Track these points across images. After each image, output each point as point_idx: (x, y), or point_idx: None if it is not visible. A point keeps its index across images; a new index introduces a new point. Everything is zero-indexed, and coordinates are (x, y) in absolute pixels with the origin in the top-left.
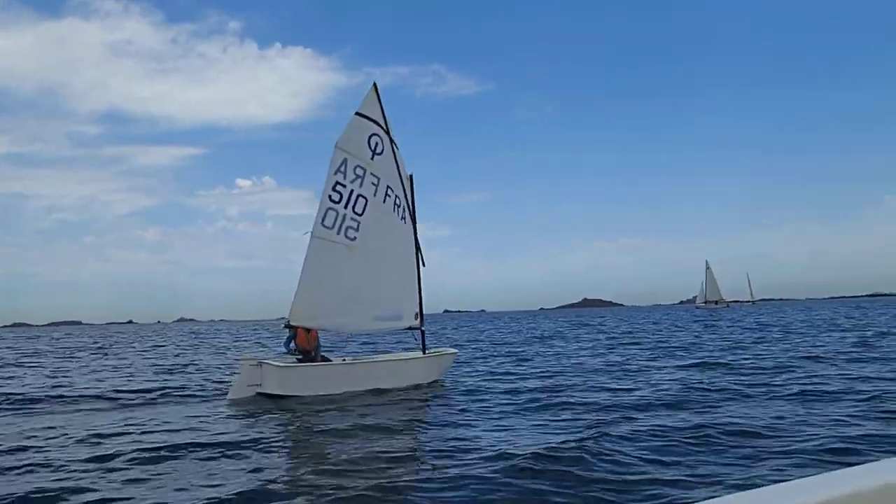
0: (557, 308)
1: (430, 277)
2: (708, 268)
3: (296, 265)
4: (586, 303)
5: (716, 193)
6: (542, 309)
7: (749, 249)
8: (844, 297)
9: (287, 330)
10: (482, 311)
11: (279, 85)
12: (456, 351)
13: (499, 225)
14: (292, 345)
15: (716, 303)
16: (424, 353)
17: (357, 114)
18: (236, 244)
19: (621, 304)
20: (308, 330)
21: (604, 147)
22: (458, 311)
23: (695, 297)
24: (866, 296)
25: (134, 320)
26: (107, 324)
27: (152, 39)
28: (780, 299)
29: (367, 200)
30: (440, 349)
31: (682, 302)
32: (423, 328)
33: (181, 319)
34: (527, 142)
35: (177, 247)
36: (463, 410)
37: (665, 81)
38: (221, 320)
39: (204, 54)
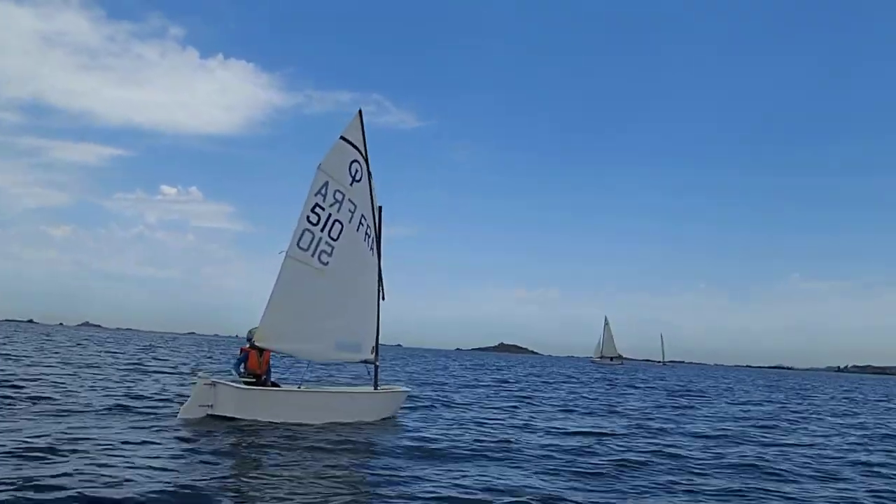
0: (473, 350)
1: None
2: (606, 324)
3: (211, 279)
4: (502, 347)
5: (635, 257)
6: (458, 349)
7: (664, 313)
8: (750, 366)
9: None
10: (398, 344)
11: (216, 96)
12: (409, 389)
13: (422, 261)
14: (242, 367)
15: (611, 359)
16: (376, 388)
17: (342, 138)
18: (153, 252)
19: (537, 353)
20: (261, 353)
21: (533, 200)
22: None
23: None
24: (772, 367)
25: (35, 320)
26: (4, 321)
27: (89, 34)
28: (690, 363)
29: (342, 226)
30: (393, 386)
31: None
32: (377, 363)
33: (86, 324)
34: (459, 183)
35: (88, 248)
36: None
37: (599, 147)
38: (128, 329)
39: (141, 56)
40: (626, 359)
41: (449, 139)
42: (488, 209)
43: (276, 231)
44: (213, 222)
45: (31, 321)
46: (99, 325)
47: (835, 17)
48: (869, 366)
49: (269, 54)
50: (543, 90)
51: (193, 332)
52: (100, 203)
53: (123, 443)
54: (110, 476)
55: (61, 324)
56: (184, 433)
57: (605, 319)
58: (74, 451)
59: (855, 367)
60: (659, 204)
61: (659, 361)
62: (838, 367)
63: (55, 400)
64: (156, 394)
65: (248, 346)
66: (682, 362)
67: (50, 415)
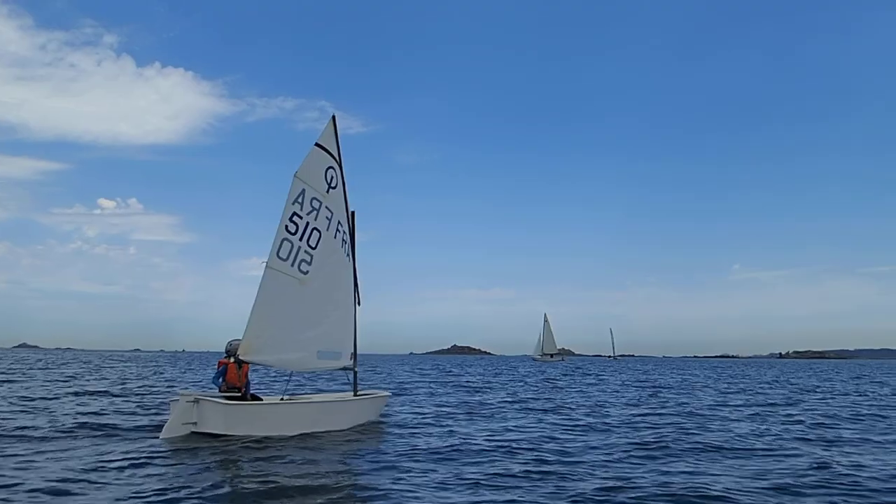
0: (427, 353)
1: None
2: (546, 321)
3: (156, 294)
4: (456, 349)
5: (585, 251)
6: (412, 353)
7: (614, 308)
8: (697, 356)
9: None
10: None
11: (155, 105)
12: (389, 393)
13: (374, 266)
14: (221, 381)
15: (551, 355)
16: (356, 394)
17: (317, 144)
18: (93, 268)
19: (490, 353)
20: (240, 366)
21: (483, 198)
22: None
23: (560, 349)
24: (717, 356)
25: None
26: None
27: (18, 44)
28: (641, 355)
29: (320, 234)
30: (374, 391)
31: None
32: (356, 369)
33: (22, 345)
34: (409, 186)
35: (23, 267)
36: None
37: (546, 144)
38: (68, 348)
39: (74, 65)
40: (576, 354)
41: (396, 142)
42: (439, 210)
43: (223, 241)
44: (156, 235)
45: None
46: (36, 346)
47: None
48: (808, 351)
49: (209, 62)
50: (486, 89)
51: (138, 349)
52: (36, 219)
53: (117, 469)
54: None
55: None
56: (171, 454)
57: (545, 316)
58: (71, 481)
59: (795, 352)
60: (607, 199)
61: (609, 356)
62: (780, 353)
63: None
64: (128, 414)
65: (226, 358)
66: (632, 356)
67: (28, 440)
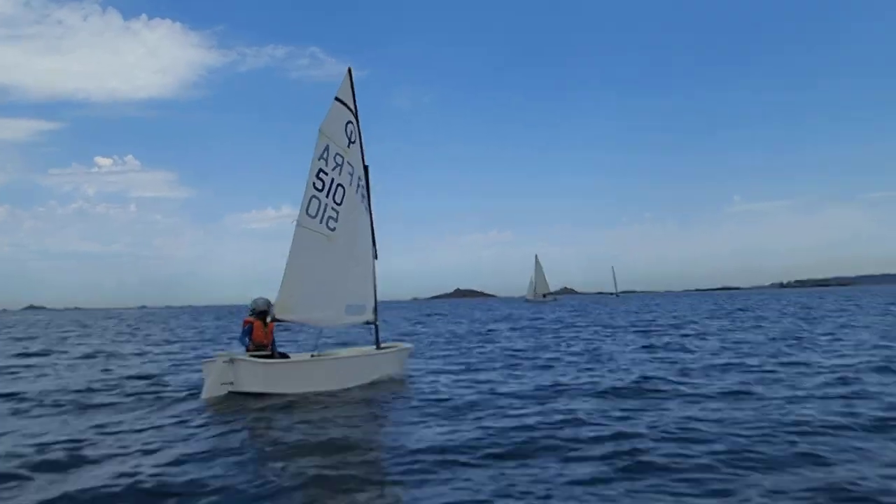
0: (430, 298)
1: None
2: (537, 262)
3: (161, 251)
4: (459, 293)
5: (583, 191)
6: (415, 299)
7: (613, 245)
8: (699, 289)
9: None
10: None
11: (145, 59)
12: (412, 345)
13: (375, 214)
14: (248, 340)
15: (544, 296)
16: (378, 347)
17: (336, 99)
18: (94, 227)
19: (493, 295)
20: (265, 324)
21: (478, 141)
22: None
23: (563, 289)
24: (718, 289)
25: None
26: None
27: (3, 2)
28: (643, 291)
29: (344, 190)
30: (397, 343)
31: (550, 293)
32: (377, 322)
33: (30, 307)
34: (403, 132)
35: (26, 229)
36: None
37: (540, 83)
38: (76, 308)
39: (61, 21)
40: (578, 293)
41: (388, 87)
42: (436, 155)
43: (220, 195)
44: (154, 191)
45: None
46: (44, 307)
47: None
48: (809, 279)
49: (196, 12)
50: (478, 30)
51: (144, 306)
52: (35, 180)
53: (158, 429)
54: (169, 467)
55: (4, 310)
56: (215, 414)
57: (536, 258)
58: (116, 445)
59: (797, 281)
60: (603, 136)
61: (612, 293)
62: (781, 283)
63: (66, 392)
64: (155, 375)
65: (251, 317)
66: (634, 291)
67: (65, 409)
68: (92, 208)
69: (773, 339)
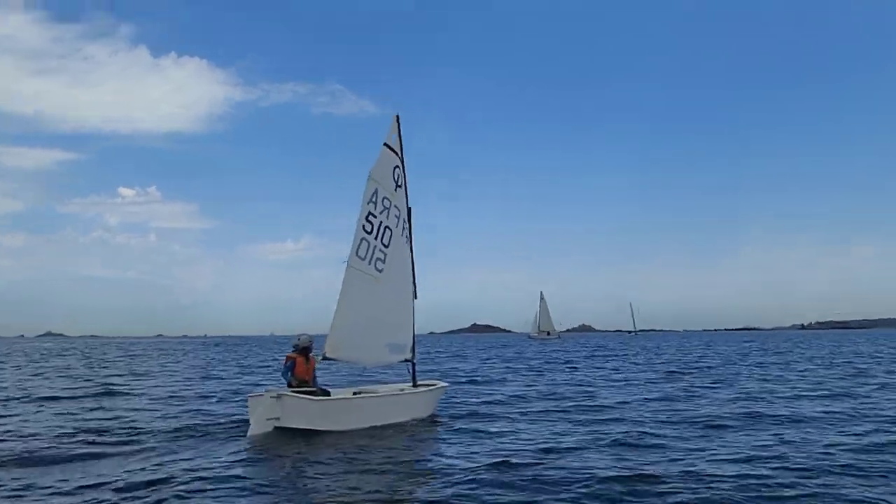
0: (447, 332)
1: (321, 293)
2: (542, 299)
3: (177, 280)
4: (476, 328)
5: (601, 226)
6: (431, 333)
7: (631, 283)
8: (718, 329)
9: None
10: None
11: (171, 94)
12: (447, 384)
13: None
14: (290, 375)
15: (547, 333)
16: (414, 384)
17: (385, 145)
18: (114, 256)
19: (509, 331)
20: (307, 360)
21: (497, 176)
22: None
23: (580, 325)
24: (739, 329)
25: None
26: None
27: (34, 37)
28: (661, 330)
29: (391, 232)
30: (432, 381)
31: (567, 330)
32: (414, 360)
33: (48, 334)
34: (422, 169)
35: (45, 256)
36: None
37: (560, 112)
38: (93, 335)
39: (91, 57)
40: (596, 330)
41: (408, 124)
42: (454, 190)
43: (240, 226)
44: (174, 222)
45: None
46: (62, 334)
47: None
48: (830, 321)
49: (222, 49)
50: (499, 65)
51: (161, 335)
52: (56, 208)
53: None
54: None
55: (22, 335)
56: (263, 451)
57: (541, 295)
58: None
59: (818, 323)
60: (623, 172)
61: (630, 331)
62: (802, 324)
63: (118, 431)
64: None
65: (293, 353)
66: (653, 330)
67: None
68: (112, 238)
69: None
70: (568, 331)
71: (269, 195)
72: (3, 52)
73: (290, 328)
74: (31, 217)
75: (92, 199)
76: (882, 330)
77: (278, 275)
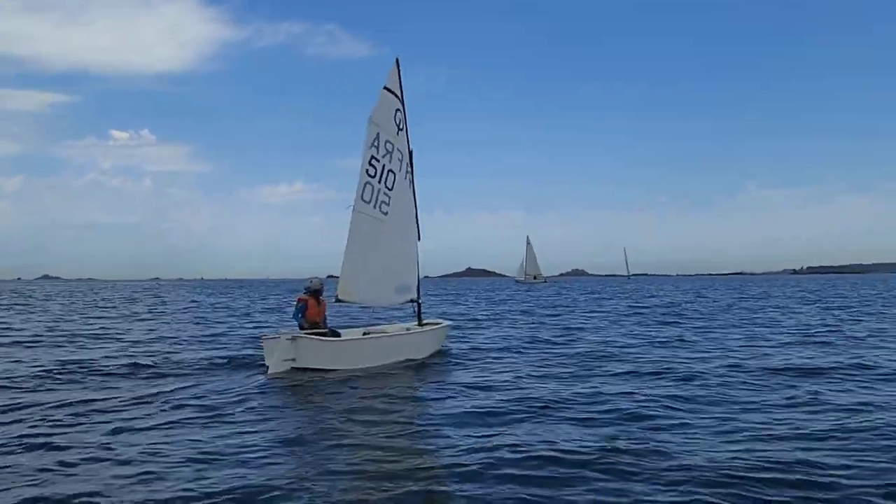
0: (442, 276)
1: (318, 239)
2: (528, 243)
3: (175, 224)
4: (470, 272)
5: (599, 174)
6: (426, 277)
7: (627, 228)
8: (711, 274)
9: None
10: None
11: (162, 34)
12: (452, 322)
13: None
14: (301, 317)
15: (534, 277)
16: (420, 324)
17: (385, 88)
18: (109, 199)
19: (503, 275)
20: (318, 302)
21: (493, 122)
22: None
23: (573, 270)
24: (730, 273)
25: None
26: None
27: None
28: (654, 275)
29: (395, 175)
30: (437, 320)
31: (561, 274)
32: (419, 301)
33: (45, 277)
34: (418, 111)
35: (41, 199)
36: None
37: (560, 64)
38: (89, 279)
39: None
40: (591, 275)
41: (404, 66)
42: (450, 133)
43: (236, 170)
44: (169, 165)
45: None
46: (58, 277)
47: None
48: (822, 266)
49: None
50: (497, 9)
51: (157, 279)
52: (50, 151)
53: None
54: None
55: (19, 278)
56: (286, 388)
57: (528, 239)
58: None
59: (810, 268)
60: (621, 121)
61: (624, 275)
62: (794, 269)
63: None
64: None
65: (305, 295)
66: (646, 275)
67: (154, 376)
68: (107, 181)
69: None
70: (562, 275)
71: (263, 138)
72: None
73: (287, 271)
74: (26, 160)
75: (88, 141)
76: (875, 275)
77: (272, 219)
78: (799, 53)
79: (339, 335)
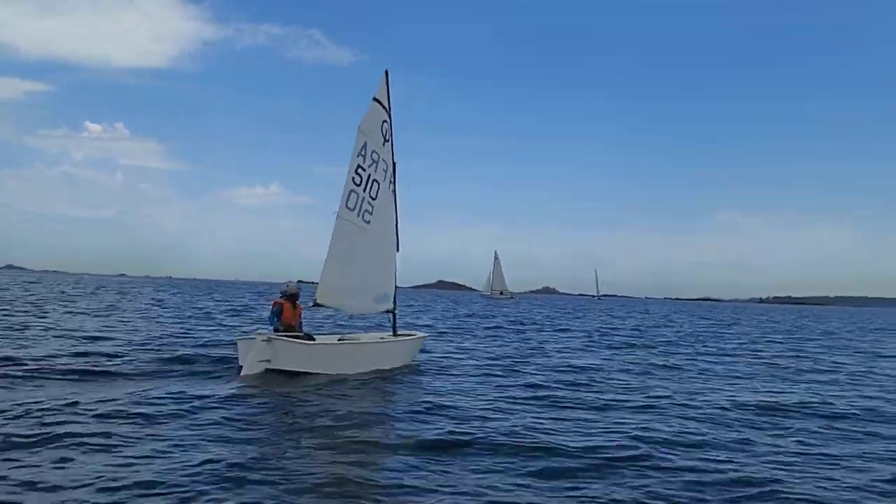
0: (413, 287)
1: (287, 245)
2: (496, 258)
3: (144, 221)
4: (442, 284)
5: (573, 193)
6: (397, 287)
7: (599, 248)
8: (678, 299)
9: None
10: None
11: (141, 28)
12: (426, 334)
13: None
14: (276, 321)
15: (500, 293)
16: (395, 334)
17: (374, 99)
18: (79, 192)
19: (475, 290)
20: (294, 306)
21: (474, 133)
22: (313, 283)
23: (544, 287)
24: (698, 299)
25: None
26: None
27: None
28: (623, 296)
29: (379, 185)
30: (412, 332)
31: (530, 292)
32: (395, 311)
33: (9, 266)
34: (400, 120)
35: (10, 189)
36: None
37: (540, 78)
38: (55, 271)
39: None
40: (560, 293)
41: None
42: (429, 144)
43: (210, 169)
44: (142, 161)
45: None
46: (23, 268)
47: None
48: (788, 297)
49: None
50: (480, 20)
51: (123, 274)
52: (23, 141)
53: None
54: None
55: None
56: (257, 391)
57: (496, 255)
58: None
59: (775, 297)
60: (600, 139)
61: (592, 295)
62: (760, 298)
63: (107, 361)
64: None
65: (281, 299)
66: (615, 296)
67: (114, 377)
68: (79, 173)
69: None
70: (531, 292)
71: (239, 139)
72: None
73: (255, 275)
74: None
75: (62, 131)
76: (835, 308)
77: (246, 221)
78: (771, 76)
79: (314, 339)
